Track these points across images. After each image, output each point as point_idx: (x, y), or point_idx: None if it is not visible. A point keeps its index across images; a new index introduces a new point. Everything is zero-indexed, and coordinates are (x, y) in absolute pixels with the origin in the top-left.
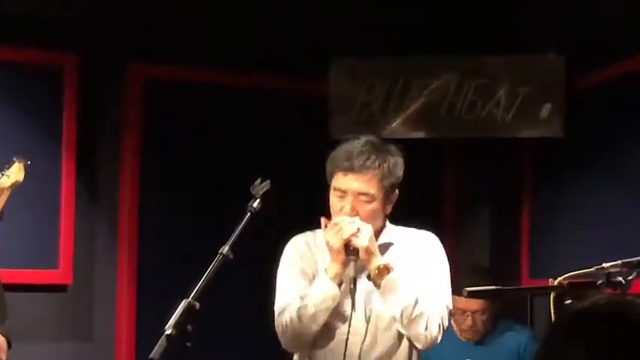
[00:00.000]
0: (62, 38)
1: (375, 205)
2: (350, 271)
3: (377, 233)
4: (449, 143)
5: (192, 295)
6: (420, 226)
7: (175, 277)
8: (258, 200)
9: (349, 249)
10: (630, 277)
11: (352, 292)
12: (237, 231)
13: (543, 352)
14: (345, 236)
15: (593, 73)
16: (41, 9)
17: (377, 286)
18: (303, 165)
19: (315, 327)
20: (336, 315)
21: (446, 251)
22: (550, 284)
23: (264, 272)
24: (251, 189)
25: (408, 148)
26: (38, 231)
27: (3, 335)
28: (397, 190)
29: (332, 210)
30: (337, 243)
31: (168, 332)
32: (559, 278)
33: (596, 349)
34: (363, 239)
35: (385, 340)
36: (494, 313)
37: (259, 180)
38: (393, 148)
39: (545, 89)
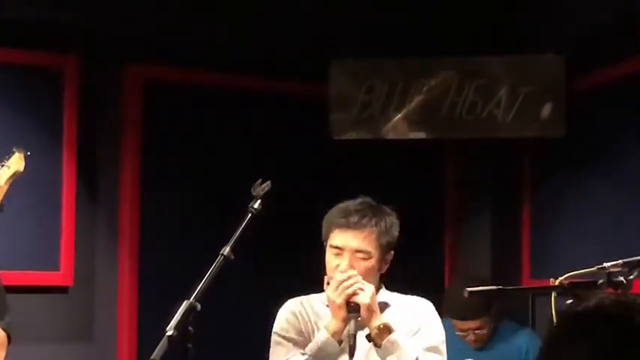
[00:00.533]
0: (62, 39)
1: (371, 262)
2: (350, 328)
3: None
4: (449, 143)
5: (193, 297)
6: (419, 228)
7: (176, 279)
8: (259, 201)
9: (350, 305)
10: (631, 277)
11: (352, 349)
12: (238, 232)
13: (547, 351)
14: (349, 291)
15: (593, 73)
16: (42, 10)
17: (377, 345)
18: (303, 165)
19: None
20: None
21: (447, 252)
22: (551, 284)
23: (264, 273)
24: (252, 190)
25: (408, 148)
26: (39, 233)
27: (4, 330)
28: (392, 252)
29: (328, 267)
30: (339, 299)
31: (169, 333)
32: (560, 278)
33: (601, 350)
34: (365, 297)
35: None
36: (494, 319)
37: (260, 181)
38: (387, 209)
39: (546, 89)
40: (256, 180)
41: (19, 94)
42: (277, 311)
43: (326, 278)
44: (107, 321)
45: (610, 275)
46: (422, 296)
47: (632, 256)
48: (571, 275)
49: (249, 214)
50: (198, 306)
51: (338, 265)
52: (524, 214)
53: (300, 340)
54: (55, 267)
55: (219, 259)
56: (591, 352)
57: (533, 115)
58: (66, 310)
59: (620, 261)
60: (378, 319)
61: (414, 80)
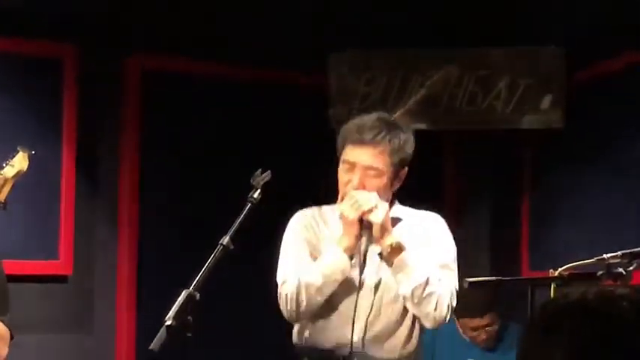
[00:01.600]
0: (62, 29)
1: (382, 180)
2: (362, 245)
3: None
4: (449, 135)
5: (192, 286)
6: None
7: (176, 268)
8: (258, 191)
9: (363, 223)
10: (631, 268)
11: (362, 267)
12: (238, 222)
13: (526, 344)
14: (363, 209)
15: (593, 65)
16: (41, 0)
17: (389, 264)
18: (303, 156)
19: (320, 298)
20: (344, 287)
21: None
22: (551, 275)
23: (264, 263)
24: (251, 180)
25: None
26: (38, 222)
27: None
28: (406, 168)
29: (340, 183)
30: (353, 215)
31: (168, 323)
32: (560, 269)
33: (580, 344)
34: (379, 215)
35: (389, 316)
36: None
37: (260, 171)
38: (404, 125)
39: (546, 81)
40: (256, 170)
41: (18, 83)
42: (277, 301)
43: (340, 194)
44: (106, 310)
45: (609, 266)
46: None
47: (632, 248)
48: (570, 266)
49: (249, 204)
50: (198, 295)
51: (349, 181)
52: (524, 206)
53: (309, 252)
54: (55, 256)
55: (219, 248)
56: (570, 345)
57: (533, 107)
58: (65, 299)
59: (620, 252)
60: (390, 238)
61: (414, 72)
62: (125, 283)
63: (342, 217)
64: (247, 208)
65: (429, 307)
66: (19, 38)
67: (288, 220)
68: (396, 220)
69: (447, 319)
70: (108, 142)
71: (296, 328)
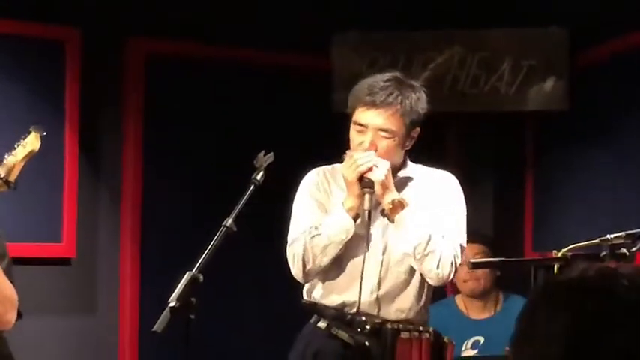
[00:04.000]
0: (65, 12)
1: (394, 141)
2: (365, 204)
3: (396, 169)
4: (452, 117)
5: (195, 268)
6: None
7: (179, 250)
8: (261, 173)
9: (364, 182)
10: (634, 249)
11: (367, 225)
12: (241, 203)
13: (526, 320)
14: (362, 169)
15: (597, 46)
16: None
17: (391, 221)
18: (306, 139)
19: (325, 259)
20: (351, 247)
21: None
22: (554, 256)
23: (267, 244)
24: (254, 161)
25: None
26: (42, 204)
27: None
28: (419, 128)
29: (352, 144)
30: (352, 176)
31: (172, 305)
32: (563, 250)
33: (581, 321)
34: (379, 173)
35: (397, 275)
36: (495, 277)
37: (262, 152)
38: (416, 83)
39: (549, 62)
40: (258, 152)
41: (21, 66)
42: (279, 282)
43: (347, 155)
44: (110, 292)
45: (613, 247)
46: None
47: (635, 228)
48: (574, 247)
49: (252, 186)
50: (201, 277)
51: (362, 143)
52: (527, 188)
53: (320, 211)
54: (58, 238)
55: (222, 230)
56: (571, 322)
57: (537, 89)
58: (68, 281)
59: (623, 233)
60: (392, 195)
61: (417, 54)
62: (128, 266)
63: (343, 178)
64: (250, 189)
65: (431, 264)
66: (23, 21)
67: (290, 201)
68: (407, 180)
69: (452, 276)
70: (111, 125)
71: (306, 286)
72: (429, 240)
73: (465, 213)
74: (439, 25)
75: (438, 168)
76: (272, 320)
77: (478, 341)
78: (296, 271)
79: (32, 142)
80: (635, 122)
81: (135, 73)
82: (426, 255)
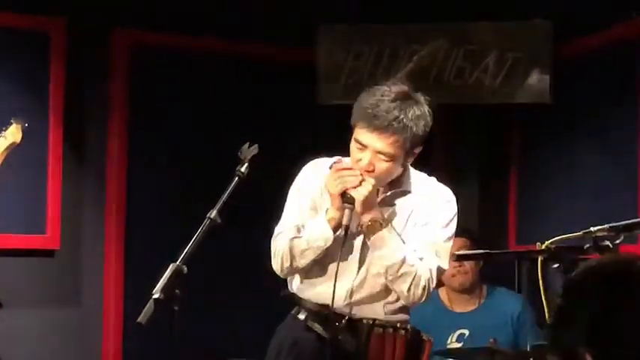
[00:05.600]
0: (50, 3)
1: (393, 164)
2: (345, 219)
3: (395, 180)
4: (437, 109)
5: (180, 259)
6: None
7: (163, 242)
8: (246, 164)
9: (346, 197)
10: (617, 241)
11: (342, 241)
12: (225, 195)
13: (557, 312)
14: (345, 185)
15: (581, 39)
16: None
17: (367, 240)
18: (291, 130)
19: (303, 262)
20: (332, 253)
21: None
22: (538, 248)
23: (252, 236)
24: (239, 153)
25: None
26: (26, 196)
27: None
28: (421, 147)
29: (351, 157)
30: (334, 189)
31: (156, 296)
32: (546, 242)
33: (607, 308)
34: (361, 192)
35: (373, 286)
36: (479, 270)
37: (247, 144)
38: (422, 100)
39: (534, 55)
40: (243, 144)
41: (6, 56)
42: (263, 274)
43: (334, 165)
44: (94, 284)
45: (596, 240)
46: None
47: (619, 221)
48: (558, 240)
49: (236, 178)
50: (185, 269)
51: (359, 160)
52: (512, 180)
53: (310, 209)
54: (42, 230)
55: (206, 222)
56: (600, 309)
57: (521, 81)
58: (52, 273)
59: (607, 225)
60: (371, 214)
61: (403, 46)
62: (113, 257)
63: (327, 189)
64: (235, 181)
65: (402, 287)
66: (8, 11)
67: (276, 193)
68: (403, 193)
69: (423, 299)
70: (95, 116)
71: (289, 278)
72: (403, 263)
73: (453, 234)
74: (425, 17)
75: (422, 161)
76: (256, 311)
77: (463, 334)
78: (275, 266)
79: (13, 133)
80: (619, 115)
81: (120, 64)
82: (399, 277)
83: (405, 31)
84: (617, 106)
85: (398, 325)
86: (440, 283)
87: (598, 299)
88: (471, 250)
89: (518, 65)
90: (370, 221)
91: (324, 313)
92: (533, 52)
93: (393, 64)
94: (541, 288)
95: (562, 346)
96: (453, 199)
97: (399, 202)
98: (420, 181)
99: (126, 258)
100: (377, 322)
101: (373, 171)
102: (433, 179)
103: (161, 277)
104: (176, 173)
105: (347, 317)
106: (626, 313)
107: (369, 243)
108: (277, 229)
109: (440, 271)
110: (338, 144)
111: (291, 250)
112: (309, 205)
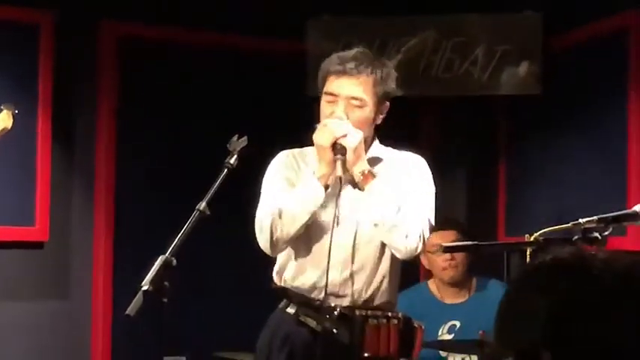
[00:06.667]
0: None
1: (366, 111)
2: (338, 170)
3: (366, 146)
4: (426, 101)
5: (169, 252)
6: None
7: (152, 234)
8: (235, 156)
9: (337, 148)
10: (606, 233)
11: (338, 192)
12: (214, 187)
13: (507, 306)
14: (336, 135)
15: (570, 31)
16: None
17: (361, 189)
18: (280, 122)
19: (293, 229)
20: (321, 224)
21: None
22: (526, 240)
23: (241, 228)
24: (228, 145)
25: None
26: (14, 188)
27: None
28: (388, 103)
29: (322, 116)
30: (326, 140)
31: (144, 288)
32: (535, 234)
33: (559, 302)
34: (353, 140)
35: (366, 255)
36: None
37: (236, 136)
38: (385, 60)
39: (523, 47)
40: (232, 136)
41: None
42: (253, 271)
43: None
44: (83, 276)
45: (585, 231)
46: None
47: (608, 213)
48: (546, 231)
49: (225, 170)
50: (174, 261)
51: (332, 113)
52: (501, 172)
53: (288, 188)
54: (31, 222)
55: (195, 214)
56: (549, 304)
57: (510, 73)
58: (41, 265)
59: (595, 217)
60: (363, 164)
61: (391, 38)
62: (102, 249)
63: (315, 144)
64: (224, 173)
65: (399, 235)
66: None
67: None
68: (376, 160)
69: (419, 249)
70: (84, 109)
71: (276, 268)
72: (399, 210)
73: (434, 194)
74: (414, 9)
75: (412, 152)
76: (246, 303)
77: (454, 326)
78: (264, 242)
79: (4, 119)
80: (608, 107)
81: (108, 56)
82: (395, 225)
83: (393, 23)
84: (606, 98)
85: (390, 314)
86: (430, 275)
87: (555, 294)
88: (460, 242)
89: (508, 57)
90: (363, 172)
91: (316, 303)
92: (522, 44)
93: (382, 56)
94: None
95: (513, 343)
96: (424, 160)
97: (372, 167)
98: (388, 150)
99: (115, 250)
100: (370, 312)
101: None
102: (399, 150)
103: (150, 269)
104: (165, 165)
105: (339, 309)
106: (587, 310)
107: (362, 200)
108: (259, 210)
109: (430, 224)
110: None
111: (280, 217)
112: (287, 182)
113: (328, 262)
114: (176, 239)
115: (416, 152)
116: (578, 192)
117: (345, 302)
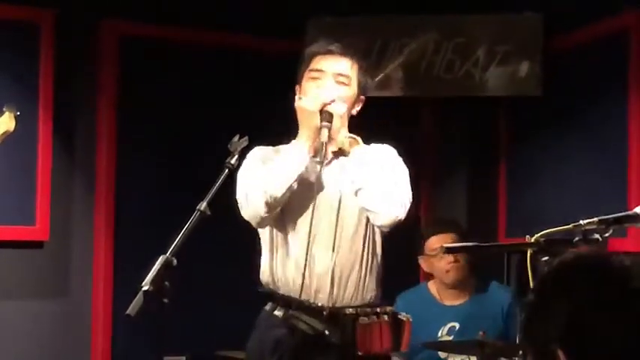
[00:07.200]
0: None
1: (350, 91)
2: (323, 136)
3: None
4: (427, 102)
5: (169, 252)
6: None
7: (153, 234)
8: (236, 156)
9: (323, 115)
10: (607, 235)
11: (322, 158)
12: (215, 187)
13: (532, 309)
14: (325, 100)
15: (571, 32)
16: None
17: (347, 153)
18: (280, 123)
19: (280, 194)
20: (305, 190)
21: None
22: (527, 241)
23: (241, 228)
24: (229, 145)
25: (386, 106)
26: (15, 188)
27: None
28: (364, 98)
29: (309, 94)
30: (315, 105)
31: (145, 288)
32: (536, 235)
33: (582, 301)
34: (340, 107)
35: (348, 227)
36: (473, 264)
37: (237, 136)
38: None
39: (523, 48)
40: (233, 135)
41: None
42: (254, 271)
43: (296, 99)
44: (83, 275)
45: (586, 233)
46: (395, 257)
47: (609, 214)
48: (547, 233)
49: (226, 170)
50: (175, 261)
51: (318, 87)
52: (501, 173)
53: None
54: (31, 221)
55: (196, 214)
56: (573, 304)
57: (511, 74)
58: (41, 264)
59: (596, 218)
60: (346, 132)
61: (393, 39)
62: (102, 249)
63: (301, 110)
64: (225, 173)
65: (382, 203)
66: None
67: None
68: (343, 152)
69: (403, 217)
70: (85, 108)
71: (262, 268)
72: (381, 178)
73: (407, 175)
74: (415, 10)
75: (412, 152)
76: (246, 303)
77: (454, 327)
78: (252, 210)
79: (6, 121)
80: (609, 108)
81: (109, 55)
82: (378, 193)
83: (395, 23)
84: (607, 99)
85: (378, 310)
86: (430, 277)
87: (574, 294)
88: (465, 258)
89: (509, 58)
90: (348, 136)
91: (303, 306)
92: (523, 45)
93: (383, 57)
94: (530, 281)
95: (535, 342)
96: (394, 150)
97: (340, 160)
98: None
99: (115, 249)
100: (360, 310)
101: (334, 101)
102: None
103: (150, 269)
104: (166, 165)
105: (328, 309)
106: (603, 310)
107: (346, 161)
108: (242, 192)
109: (409, 200)
110: None
111: (268, 183)
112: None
113: (310, 226)
114: (177, 239)
115: (416, 153)
116: (579, 193)
117: (332, 299)
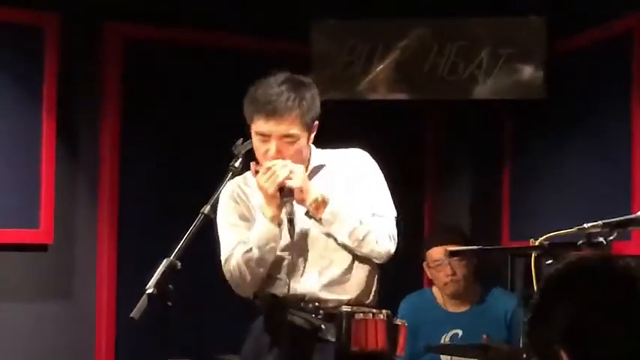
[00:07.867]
0: None
1: (299, 144)
2: (287, 211)
3: (306, 161)
4: (430, 104)
5: (173, 255)
6: (399, 189)
7: (157, 237)
8: (239, 159)
9: (284, 191)
10: (611, 238)
11: (291, 232)
12: (219, 190)
13: (537, 312)
14: (279, 180)
15: (574, 35)
16: None
17: (317, 220)
18: None
19: (262, 270)
20: (284, 249)
21: (426, 215)
22: (531, 245)
23: None
24: (233, 148)
25: (389, 109)
26: (18, 190)
27: None
28: (317, 122)
29: (257, 153)
30: (272, 187)
31: (149, 291)
32: (540, 239)
33: (587, 303)
34: (297, 180)
35: (339, 265)
36: (475, 270)
37: (241, 140)
38: (307, 80)
39: (527, 51)
40: (236, 138)
41: (0, 51)
42: None
43: (252, 166)
44: (87, 278)
45: (590, 236)
46: (400, 263)
47: (612, 217)
48: (551, 236)
49: (230, 173)
50: (179, 264)
51: (267, 151)
52: (505, 176)
53: (244, 224)
54: (35, 225)
55: (200, 217)
56: (576, 305)
57: (515, 77)
58: (45, 267)
59: (600, 222)
60: (312, 195)
61: (396, 41)
62: (106, 252)
63: (261, 190)
64: (228, 176)
65: (370, 246)
66: (1, 6)
67: None
68: (318, 168)
69: (393, 250)
70: (88, 111)
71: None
72: (361, 224)
73: (384, 183)
74: (418, 13)
75: (415, 155)
76: (250, 307)
77: (457, 334)
78: (237, 288)
79: None
80: (612, 111)
81: (113, 58)
82: (363, 239)
83: (398, 26)
84: (610, 102)
85: (375, 310)
86: (433, 282)
87: (578, 296)
88: (465, 258)
89: (512, 61)
90: (315, 201)
91: (301, 305)
92: (527, 48)
93: (386, 59)
94: (535, 284)
95: (539, 343)
96: (365, 152)
97: (317, 177)
98: (327, 153)
99: (119, 252)
100: (356, 308)
101: (284, 158)
102: (338, 150)
103: (154, 272)
104: (169, 168)
105: (326, 307)
106: (607, 312)
107: (319, 224)
108: (223, 256)
109: (394, 217)
110: (331, 138)
111: (246, 263)
112: (240, 218)
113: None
114: (181, 242)
115: (420, 156)
116: (583, 196)
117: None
